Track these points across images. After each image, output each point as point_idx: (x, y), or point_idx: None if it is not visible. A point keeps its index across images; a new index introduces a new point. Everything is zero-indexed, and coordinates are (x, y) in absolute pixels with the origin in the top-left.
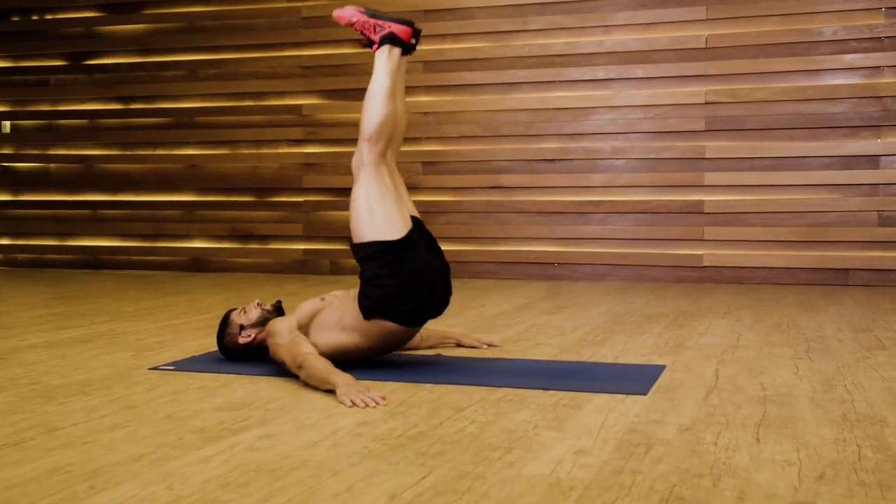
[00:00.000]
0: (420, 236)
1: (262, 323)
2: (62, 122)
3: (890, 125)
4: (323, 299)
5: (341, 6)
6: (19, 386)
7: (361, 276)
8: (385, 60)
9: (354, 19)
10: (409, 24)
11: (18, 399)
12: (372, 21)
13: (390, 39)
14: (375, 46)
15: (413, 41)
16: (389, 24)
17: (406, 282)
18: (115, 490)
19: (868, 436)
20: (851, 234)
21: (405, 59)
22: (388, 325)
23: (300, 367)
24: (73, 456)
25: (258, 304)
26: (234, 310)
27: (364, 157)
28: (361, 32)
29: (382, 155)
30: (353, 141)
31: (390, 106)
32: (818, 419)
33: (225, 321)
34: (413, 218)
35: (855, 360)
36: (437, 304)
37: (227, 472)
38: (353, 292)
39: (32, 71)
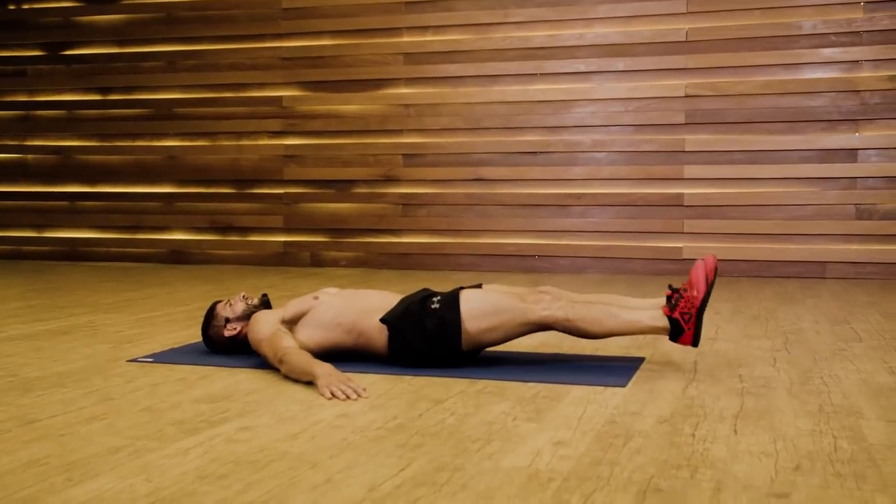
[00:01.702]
0: (475, 350)
1: (247, 316)
2: (40, 112)
3: (868, 119)
4: (316, 298)
5: (704, 257)
6: None
7: (424, 304)
8: (652, 325)
9: (698, 290)
10: (696, 345)
11: None
12: (693, 311)
13: (675, 329)
14: (668, 312)
15: (674, 340)
16: (692, 327)
17: (430, 357)
18: (93, 482)
19: (844, 427)
20: (829, 228)
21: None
22: (383, 343)
23: (281, 361)
24: (50, 448)
25: (244, 296)
26: (219, 302)
27: (549, 312)
28: (681, 297)
29: (549, 328)
30: (334, 132)
31: (605, 337)
32: (795, 411)
33: (210, 314)
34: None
35: (832, 353)
36: (428, 367)
37: (205, 464)
38: (353, 292)
39: (9, 61)
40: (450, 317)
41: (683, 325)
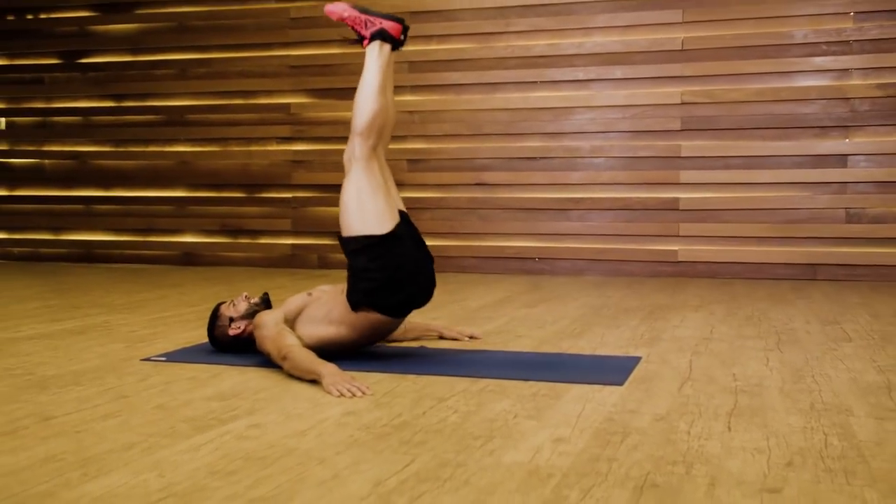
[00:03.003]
0: (406, 230)
1: (250, 315)
2: (56, 119)
3: (857, 126)
4: (310, 294)
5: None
6: (14, 376)
7: (350, 269)
8: (376, 56)
9: (346, 14)
10: (400, 20)
11: (13, 389)
12: (363, 17)
13: (381, 35)
14: (366, 42)
15: (402, 37)
16: (380, 20)
17: (393, 275)
18: (108, 478)
19: (834, 424)
20: (820, 231)
21: (394, 54)
22: (374, 316)
23: (284, 358)
24: (66, 444)
25: (246, 296)
26: (223, 303)
27: (356, 151)
28: (352, 28)
29: (374, 149)
30: (341, 139)
31: (381, 100)
32: (787, 408)
33: (215, 314)
34: (400, 212)
35: (822, 352)
36: (422, 295)
37: (216, 460)
38: (341, 287)
39: (27, 69)
40: (354, 244)
41: (378, 26)
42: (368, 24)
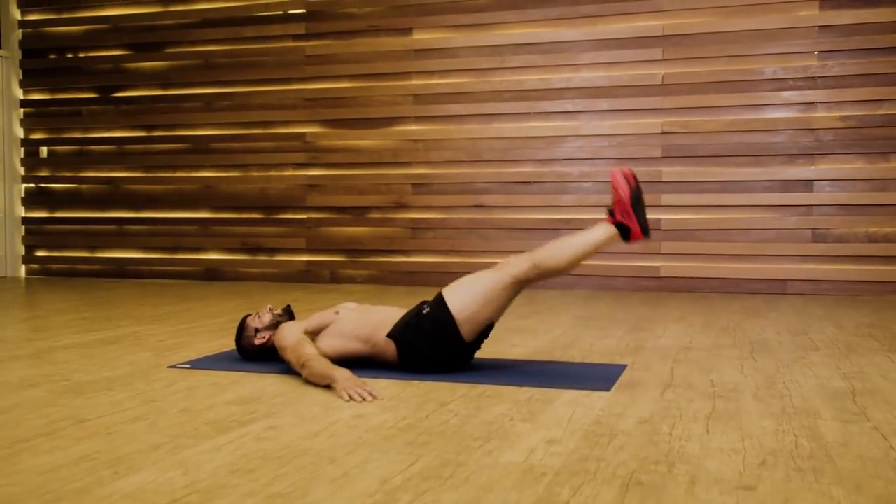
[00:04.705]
0: (478, 341)
1: (274, 325)
2: (93, 147)
3: (822, 154)
4: (337, 313)
5: (619, 166)
6: (52, 382)
7: (419, 310)
8: (603, 237)
9: (621, 192)
10: (647, 234)
11: (51, 394)
12: (629, 207)
13: (622, 229)
14: (610, 220)
15: (633, 243)
16: (635, 221)
17: (434, 357)
18: (137, 476)
19: (804, 427)
20: (789, 249)
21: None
22: (393, 350)
23: (303, 366)
24: (99, 445)
25: (270, 308)
26: (249, 315)
27: (517, 270)
28: (614, 203)
29: (526, 282)
30: (352, 164)
31: (572, 266)
32: (760, 412)
33: (242, 326)
34: (490, 324)
35: (792, 360)
36: (437, 371)
37: (236, 459)
38: (369, 307)
39: (67, 102)
40: (441, 315)
41: (627, 223)
42: (625, 215)
